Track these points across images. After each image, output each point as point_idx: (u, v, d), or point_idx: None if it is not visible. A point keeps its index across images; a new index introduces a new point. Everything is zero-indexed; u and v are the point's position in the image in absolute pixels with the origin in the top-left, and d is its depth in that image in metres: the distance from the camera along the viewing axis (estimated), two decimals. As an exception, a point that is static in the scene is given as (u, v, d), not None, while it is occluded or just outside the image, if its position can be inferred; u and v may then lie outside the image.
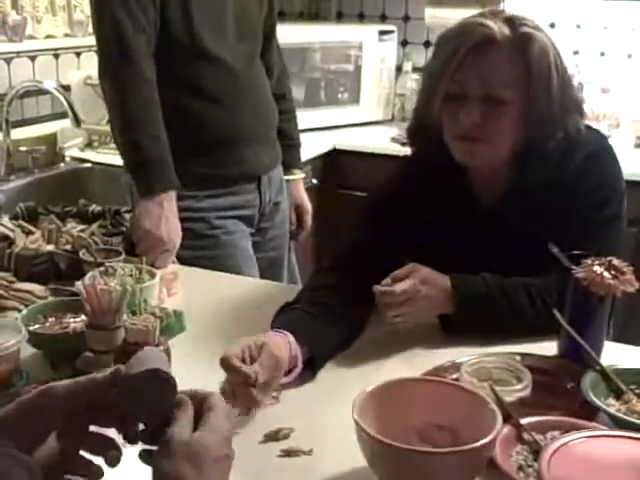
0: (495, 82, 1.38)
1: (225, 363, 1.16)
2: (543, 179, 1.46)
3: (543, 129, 1.42)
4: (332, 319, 1.37)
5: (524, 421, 1.05)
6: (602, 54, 3.32)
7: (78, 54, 2.86)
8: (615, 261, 1.26)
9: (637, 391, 1.16)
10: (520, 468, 0.98)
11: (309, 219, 2.34)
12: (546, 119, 1.41)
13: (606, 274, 1.25)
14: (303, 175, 2.35)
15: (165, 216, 1.76)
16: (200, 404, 0.81)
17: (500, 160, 1.47)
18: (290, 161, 2.26)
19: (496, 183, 1.50)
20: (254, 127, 2.02)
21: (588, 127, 1.51)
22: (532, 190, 1.47)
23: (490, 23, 1.38)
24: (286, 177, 2.25)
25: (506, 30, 1.39)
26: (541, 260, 1.34)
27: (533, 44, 1.38)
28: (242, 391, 1.14)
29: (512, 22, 1.40)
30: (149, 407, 0.79)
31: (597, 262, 1.26)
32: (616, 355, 1.29)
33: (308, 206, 2.33)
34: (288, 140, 2.24)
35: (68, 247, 1.65)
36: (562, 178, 1.45)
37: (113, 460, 0.81)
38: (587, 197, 1.45)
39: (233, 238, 2.00)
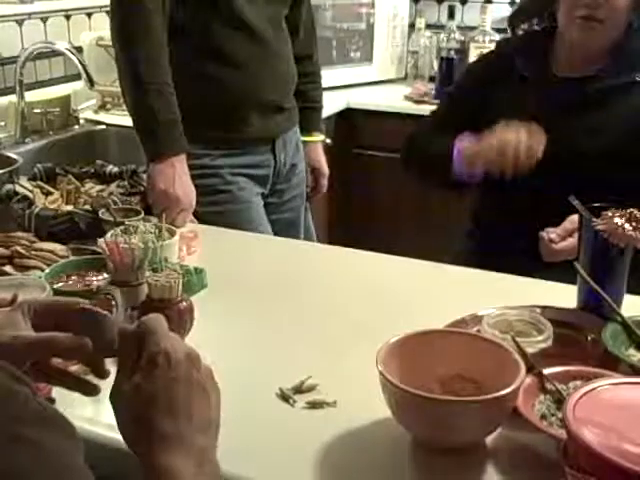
0: None
1: None
2: (629, 74, 1.65)
3: None
4: None
5: (546, 371, 1.05)
6: None
7: (89, 15, 2.84)
8: (636, 212, 1.25)
9: (654, 339, 1.17)
10: (543, 417, 0.99)
11: (325, 182, 2.34)
12: None
13: (627, 226, 1.24)
14: (322, 137, 2.33)
15: (178, 175, 1.76)
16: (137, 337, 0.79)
17: (605, 44, 1.66)
18: (310, 123, 2.25)
19: (581, 64, 1.70)
20: (270, 92, 2.01)
21: None
22: (617, 77, 1.66)
23: None
24: (304, 138, 2.24)
25: None
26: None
27: None
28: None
29: None
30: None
31: (617, 214, 1.26)
32: (637, 307, 1.29)
33: (325, 169, 2.32)
34: (309, 102, 2.23)
35: (87, 207, 1.66)
36: None
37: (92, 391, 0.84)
38: None
39: (246, 194, 2.01)
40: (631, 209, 1.27)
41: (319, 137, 2.31)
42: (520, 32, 1.84)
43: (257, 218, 2.01)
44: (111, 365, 0.85)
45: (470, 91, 1.83)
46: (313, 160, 2.29)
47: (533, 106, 1.70)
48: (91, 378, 0.87)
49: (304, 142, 2.25)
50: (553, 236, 1.50)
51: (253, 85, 1.96)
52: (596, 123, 1.66)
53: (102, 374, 0.86)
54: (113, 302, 1.21)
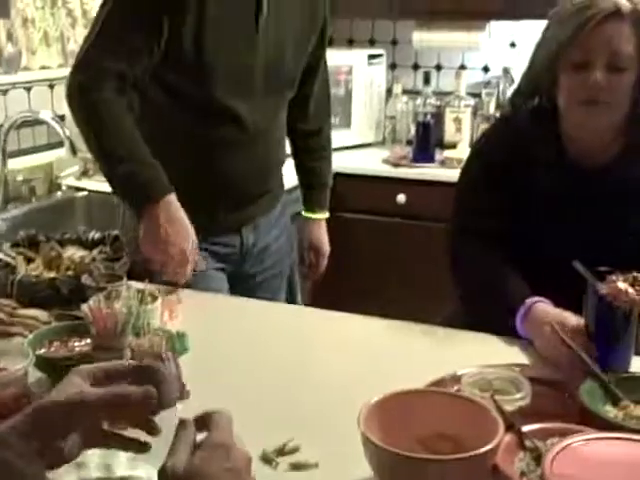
0: (620, 50, 1.52)
1: None
2: None
3: None
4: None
5: (525, 429, 1.07)
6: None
7: (72, 84, 2.90)
8: (639, 276, 1.29)
9: (634, 398, 1.19)
10: (523, 474, 1.00)
11: (324, 262, 2.23)
12: None
13: (630, 290, 1.27)
14: (326, 215, 2.22)
15: (167, 222, 1.65)
16: (204, 423, 0.83)
17: (612, 125, 1.60)
18: (313, 200, 2.17)
19: (595, 152, 1.63)
20: (245, 185, 1.88)
21: None
22: (628, 169, 1.60)
23: None
24: (307, 215, 2.18)
25: (628, 4, 1.53)
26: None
27: None
28: None
29: None
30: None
31: (621, 278, 1.29)
32: None
33: (326, 248, 2.22)
34: (315, 178, 2.16)
35: (70, 273, 1.67)
36: None
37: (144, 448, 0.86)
38: None
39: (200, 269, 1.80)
40: (635, 273, 1.30)
41: (323, 215, 2.20)
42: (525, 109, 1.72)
43: (216, 289, 1.86)
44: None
45: (496, 185, 1.69)
46: (315, 239, 2.20)
47: (548, 197, 1.64)
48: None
49: (306, 218, 2.18)
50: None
51: (226, 179, 1.83)
52: (618, 215, 1.61)
53: (155, 431, 0.86)
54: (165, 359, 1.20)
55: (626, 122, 1.60)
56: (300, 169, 2.18)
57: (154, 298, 1.51)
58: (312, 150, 2.14)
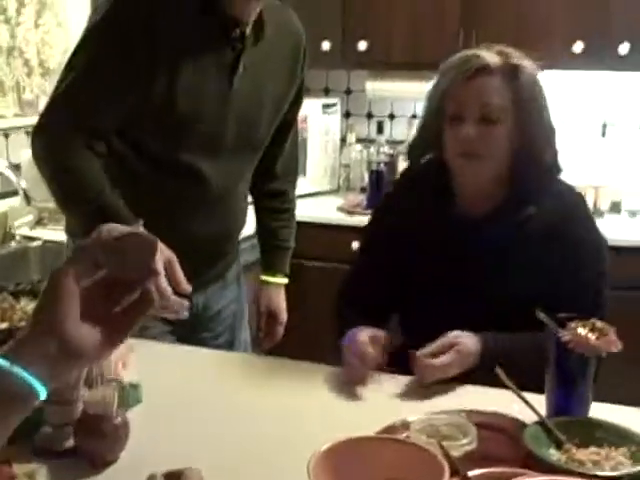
0: (488, 104, 1.59)
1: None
2: (524, 209, 1.64)
3: (532, 150, 1.62)
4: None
5: (471, 473, 1.10)
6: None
7: (28, 133, 2.91)
8: (598, 323, 1.32)
9: (576, 441, 1.23)
10: (468, 518, 1.03)
11: (281, 330, 2.12)
12: (535, 141, 1.62)
13: (590, 335, 1.31)
14: (285, 281, 2.12)
15: None
16: None
17: (493, 176, 1.65)
18: (273, 263, 2.09)
19: (481, 202, 1.67)
20: (205, 243, 1.83)
21: (563, 181, 1.72)
22: (512, 214, 1.64)
23: (483, 54, 1.62)
24: (265, 278, 2.09)
25: (497, 60, 1.61)
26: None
27: (522, 71, 1.61)
28: None
29: (502, 53, 1.63)
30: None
31: (581, 324, 1.32)
32: (603, 413, 1.33)
33: (284, 316, 2.12)
34: (276, 240, 2.09)
35: (23, 324, 1.66)
36: (544, 220, 1.63)
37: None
38: (576, 252, 1.62)
39: (148, 333, 1.79)
40: (593, 320, 1.34)
41: (282, 279, 2.11)
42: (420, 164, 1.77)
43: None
44: None
45: (378, 246, 1.80)
46: (273, 305, 2.09)
47: (438, 249, 1.70)
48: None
49: (264, 282, 2.09)
50: (426, 351, 1.52)
51: (182, 239, 1.58)
52: (492, 265, 1.65)
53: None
54: None
55: (508, 173, 1.65)
56: (261, 229, 2.11)
57: (107, 348, 1.51)
58: (275, 210, 2.09)
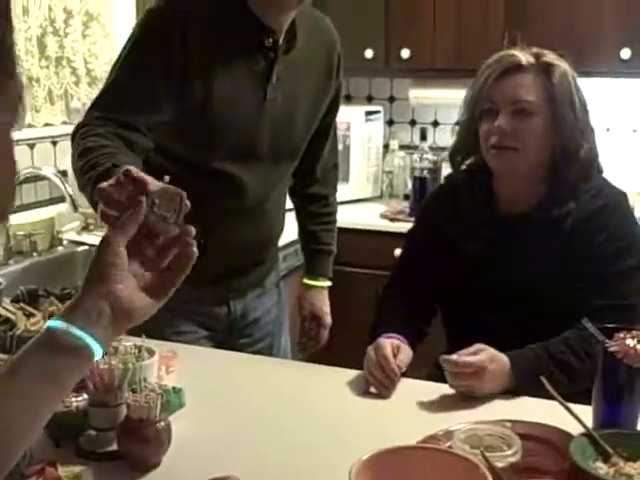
0: (522, 97, 1.65)
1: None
2: (564, 206, 1.67)
3: (568, 145, 1.66)
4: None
5: (515, 485, 1.08)
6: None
7: (75, 141, 2.95)
8: None
9: (624, 454, 1.20)
10: (512, 530, 1.01)
11: (325, 334, 2.10)
12: (570, 138, 1.65)
13: (639, 346, 1.29)
14: (328, 284, 2.12)
15: None
16: None
17: (528, 169, 1.68)
18: (316, 267, 2.09)
19: (521, 201, 1.72)
20: (242, 251, 1.83)
21: (606, 180, 1.74)
22: (551, 211, 1.67)
23: (518, 53, 1.68)
24: (308, 282, 2.10)
25: (531, 59, 1.67)
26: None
27: (555, 70, 1.66)
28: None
29: (537, 53, 1.69)
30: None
31: (629, 335, 1.31)
32: None
33: (328, 319, 2.10)
34: (318, 244, 2.09)
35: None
36: (580, 215, 1.66)
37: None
38: (604, 246, 1.64)
39: (187, 339, 1.82)
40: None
41: (325, 282, 2.10)
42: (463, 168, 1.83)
43: None
44: None
45: (421, 246, 1.85)
46: (316, 308, 2.09)
47: (481, 248, 1.73)
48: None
49: (307, 286, 2.10)
50: (455, 357, 1.51)
51: (219, 248, 1.71)
52: (534, 257, 1.67)
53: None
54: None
55: (546, 170, 1.69)
56: (303, 233, 2.13)
57: (151, 353, 1.53)
58: (317, 214, 2.09)
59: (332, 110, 1.94)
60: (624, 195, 1.74)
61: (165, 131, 1.67)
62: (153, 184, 0.97)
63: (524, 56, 1.67)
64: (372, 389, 1.57)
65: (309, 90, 1.83)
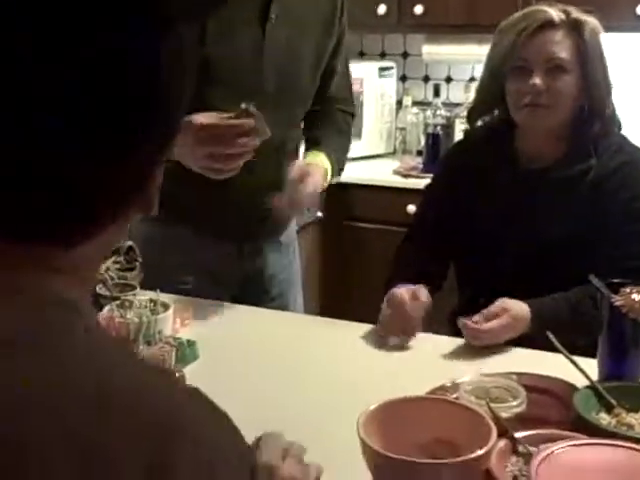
0: (555, 55, 1.65)
1: None
2: (585, 162, 1.68)
3: (597, 102, 1.68)
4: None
5: (519, 435, 1.11)
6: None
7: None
8: None
9: (627, 406, 1.23)
10: (515, 478, 1.05)
11: (307, 200, 1.76)
12: (598, 94, 1.68)
13: None
14: (328, 166, 1.85)
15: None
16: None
17: (555, 129, 1.70)
18: (316, 155, 1.87)
19: (544, 155, 1.73)
20: (252, 195, 1.79)
21: (625, 137, 1.76)
22: (572, 167, 1.69)
23: (548, 9, 1.68)
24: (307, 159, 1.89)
25: (562, 15, 1.67)
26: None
27: (585, 27, 1.66)
28: None
29: (564, 9, 1.68)
30: None
31: (635, 290, 1.33)
32: None
33: (315, 186, 1.76)
34: (325, 147, 1.89)
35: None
36: (601, 172, 1.67)
37: None
38: (622, 206, 1.65)
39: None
40: None
41: (325, 163, 1.85)
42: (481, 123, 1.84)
43: None
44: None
45: (441, 200, 1.86)
46: (305, 169, 1.77)
47: (501, 204, 1.74)
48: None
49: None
50: (477, 318, 1.53)
51: (232, 192, 1.72)
52: (555, 212, 1.69)
53: None
54: None
55: (569, 126, 1.70)
56: (307, 139, 1.96)
57: (166, 307, 1.57)
58: (329, 121, 1.95)
59: (337, 52, 1.92)
60: None
61: None
62: None
63: (554, 12, 1.66)
64: (391, 340, 1.59)
65: (312, 32, 1.82)
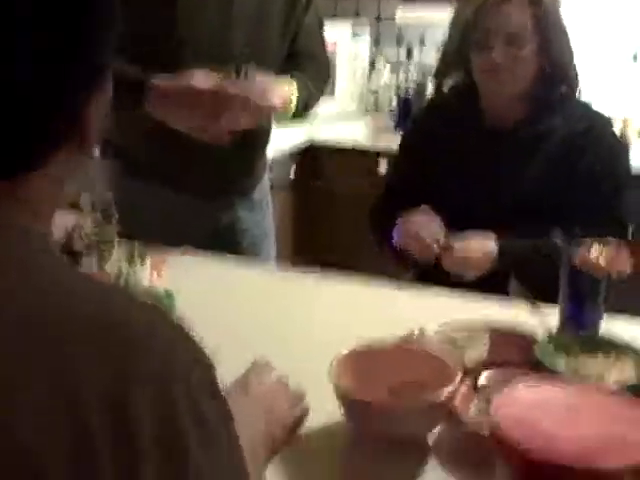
0: (513, 30, 1.69)
1: None
2: (551, 120, 1.74)
3: (556, 69, 1.73)
4: None
5: (481, 376, 1.18)
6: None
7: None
8: (612, 243, 1.38)
9: (585, 354, 1.29)
10: (476, 416, 1.11)
11: (254, 118, 1.74)
12: (559, 61, 1.73)
13: (601, 257, 1.36)
14: (293, 87, 1.81)
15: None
16: None
17: (520, 90, 1.74)
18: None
19: (509, 115, 1.78)
20: (229, 151, 1.79)
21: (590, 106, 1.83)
22: (538, 126, 1.75)
23: None
24: None
25: None
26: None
27: None
28: None
29: None
30: None
31: (595, 244, 1.38)
32: (614, 326, 1.40)
33: (272, 100, 1.73)
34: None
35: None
36: (569, 132, 1.73)
37: None
38: (592, 167, 1.71)
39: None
40: (609, 239, 1.39)
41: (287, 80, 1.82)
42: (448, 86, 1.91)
43: None
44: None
45: (411, 160, 1.93)
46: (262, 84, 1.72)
47: (470, 161, 1.80)
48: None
49: None
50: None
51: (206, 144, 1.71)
52: (522, 170, 1.75)
53: None
54: None
55: (532, 88, 1.75)
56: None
57: (143, 259, 1.60)
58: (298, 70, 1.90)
59: (307, 8, 1.89)
60: (608, 118, 1.82)
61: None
62: None
63: None
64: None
65: None
